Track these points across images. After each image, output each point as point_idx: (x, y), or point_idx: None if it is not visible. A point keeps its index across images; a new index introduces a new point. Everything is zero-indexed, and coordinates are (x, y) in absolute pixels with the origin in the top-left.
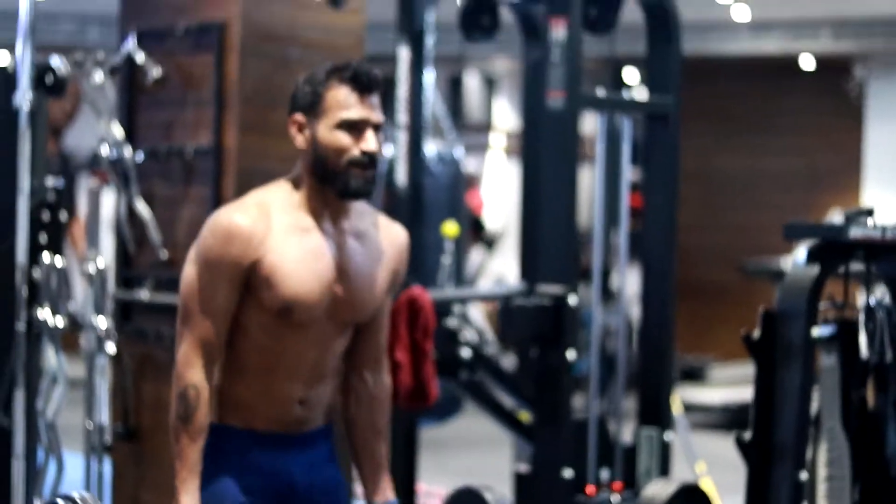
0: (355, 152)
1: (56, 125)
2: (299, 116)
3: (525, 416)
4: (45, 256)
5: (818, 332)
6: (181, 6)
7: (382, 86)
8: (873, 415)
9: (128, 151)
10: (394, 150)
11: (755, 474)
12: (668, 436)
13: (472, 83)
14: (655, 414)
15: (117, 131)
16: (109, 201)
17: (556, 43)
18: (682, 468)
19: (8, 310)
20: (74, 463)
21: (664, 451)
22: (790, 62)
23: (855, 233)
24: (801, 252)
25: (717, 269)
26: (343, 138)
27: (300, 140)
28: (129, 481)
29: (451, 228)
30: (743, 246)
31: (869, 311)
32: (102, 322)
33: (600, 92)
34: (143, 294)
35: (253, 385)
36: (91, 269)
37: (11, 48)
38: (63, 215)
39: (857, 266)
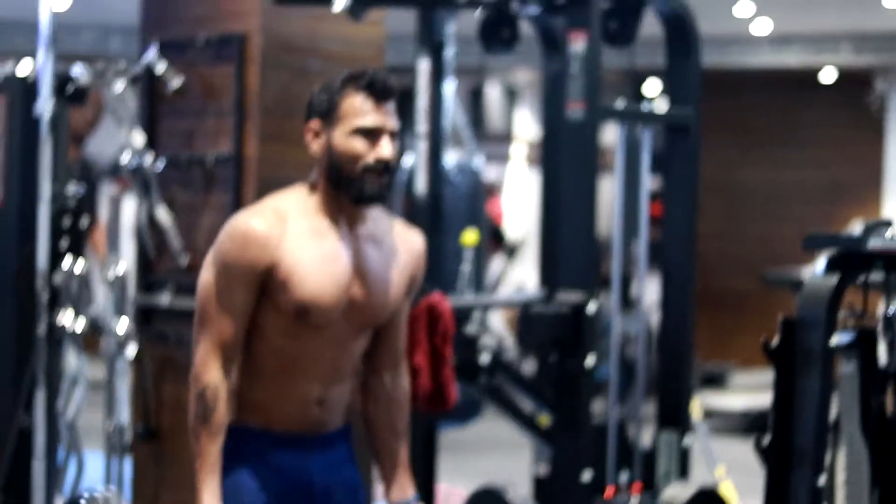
0: (370, 159)
1: (78, 133)
2: (315, 123)
3: (544, 419)
4: (67, 261)
5: (837, 339)
6: (202, 17)
7: (398, 93)
8: (892, 421)
9: (149, 159)
10: (414, 160)
11: (774, 478)
12: (688, 440)
13: (493, 94)
14: (675, 418)
15: (138, 139)
16: (130, 208)
17: (575, 56)
18: (702, 472)
19: (29, 314)
20: (95, 463)
21: (683, 455)
22: (811, 75)
23: (874, 244)
24: (820, 262)
25: (738, 278)
26: (358, 145)
27: (316, 147)
28: (149, 481)
29: (470, 237)
30: (764, 256)
31: (888, 319)
32: (123, 326)
33: (620, 103)
34: (164, 299)
35: (270, 387)
36: (112, 274)
37: (34, 57)
38: (84, 221)
39: (876, 276)
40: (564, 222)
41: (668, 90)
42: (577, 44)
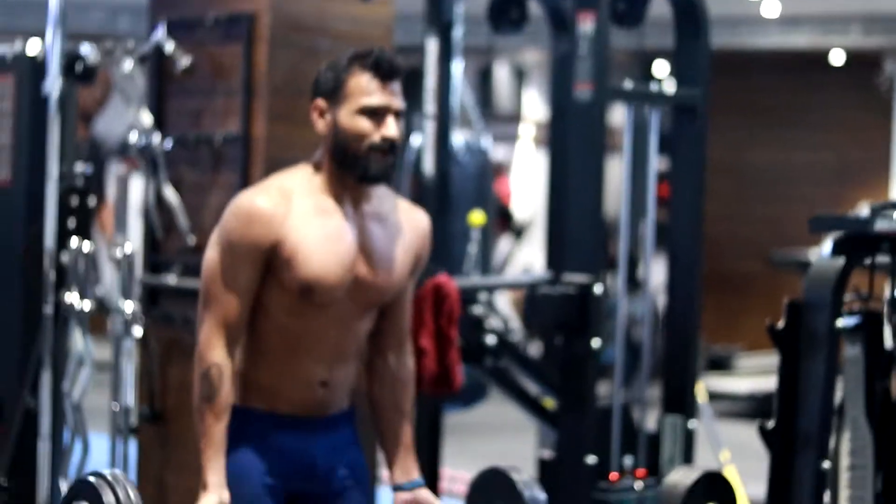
0: (376, 138)
1: (86, 111)
2: (321, 102)
3: (549, 402)
4: (74, 241)
5: (843, 322)
6: None
7: (404, 72)
8: None
9: (157, 138)
10: (422, 140)
11: (778, 463)
12: (693, 424)
13: (501, 74)
14: (680, 402)
15: (146, 119)
16: (138, 187)
17: (583, 36)
18: (707, 456)
19: (36, 293)
20: (100, 444)
21: (688, 439)
22: (820, 57)
23: (880, 225)
24: (826, 245)
25: (746, 260)
26: (364, 124)
27: (321, 125)
28: (154, 463)
29: (477, 217)
30: (772, 238)
31: (894, 302)
32: (129, 306)
33: (627, 84)
34: (171, 279)
35: (275, 367)
36: (119, 253)
37: (42, 36)
38: (92, 201)
39: (882, 258)
40: (571, 203)
41: (676, 71)
42: (586, 24)
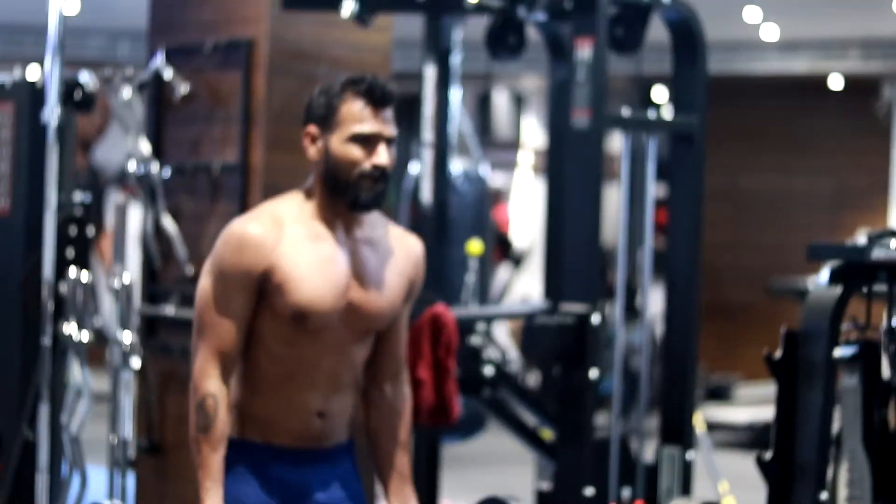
0: (367, 166)
1: (86, 139)
2: (313, 128)
3: (547, 433)
4: (72, 271)
5: (840, 352)
6: (210, 24)
7: (396, 99)
8: (894, 436)
9: (155, 167)
10: (419, 168)
11: (776, 494)
12: (690, 455)
13: (500, 100)
14: (678, 433)
15: (145, 147)
16: (136, 216)
17: (581, 63)
18: (705, 487)
19: (34, 324)
20: (98, 477)
21: (686, 470)
22: (819, 82)
23: (878, 254)
24: (823, 273)
25: (744, 288)
26: (355, 151)
27: (313, 151)
28: (152, 495)
29: (475, 246)
30: (771, 266)
31: (891, 332)
32: (128, 337)
33: (625, 111)
34: (169, 309)
35: (270, 397)
36: (117, 283)
37: (41, 63)
38: (90, 230)
39: (880, 287)
40: (569, 232)
41: (673, 98)
42: (584, 51)
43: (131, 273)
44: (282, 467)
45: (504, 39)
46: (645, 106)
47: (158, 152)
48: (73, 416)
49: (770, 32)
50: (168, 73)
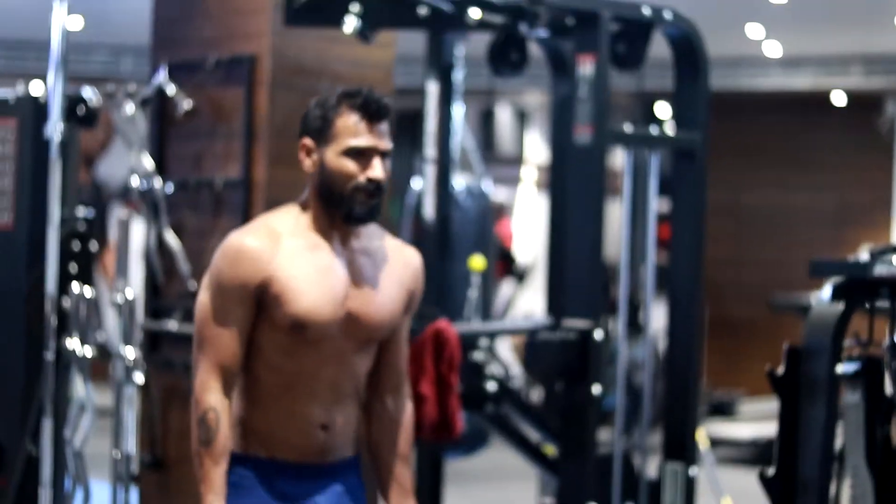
0: (361, 179)
1: (89, 154)
2: (308, 141)
3: (550, 449)
4: (75, 286)
5: (843, 368)
6: (212, 40)
7: (391, 113)
8: None
9: (158, 182)
10: (422, 184)
11: None
12: (693, 471)
13: (503, 116)
14: (680, 449)
15: (148, 162)
16: (139, 231)
17: (583, 79)
18: (708, 503)
19: (37, 339)
20: (101, 492)
21: (689, 486)
22: (821, 98)
23: (880, 270)
24: (826, 289)
25: (747, 304)
26: (350, 165)
27: (308, 164)
28: None
29: (477, 262)
30: (774, 281)
31: (894, 348)
32: (131, 352)
33: (627, 127)
34: (172, 324)
35: (272, 410)
36: (120, 298)
37: (44, 79)
38: (93, 245)
39: (882, 303)
40: (571, 247)
41: (675, 114)
42: (586, 67)
43: (134, 288)
44: (286, 482)
45: (506, 56)
46: (647, 122)
47: (161, 168)
48: (77, 430)
49: (772, 49)
50: (171, 89)
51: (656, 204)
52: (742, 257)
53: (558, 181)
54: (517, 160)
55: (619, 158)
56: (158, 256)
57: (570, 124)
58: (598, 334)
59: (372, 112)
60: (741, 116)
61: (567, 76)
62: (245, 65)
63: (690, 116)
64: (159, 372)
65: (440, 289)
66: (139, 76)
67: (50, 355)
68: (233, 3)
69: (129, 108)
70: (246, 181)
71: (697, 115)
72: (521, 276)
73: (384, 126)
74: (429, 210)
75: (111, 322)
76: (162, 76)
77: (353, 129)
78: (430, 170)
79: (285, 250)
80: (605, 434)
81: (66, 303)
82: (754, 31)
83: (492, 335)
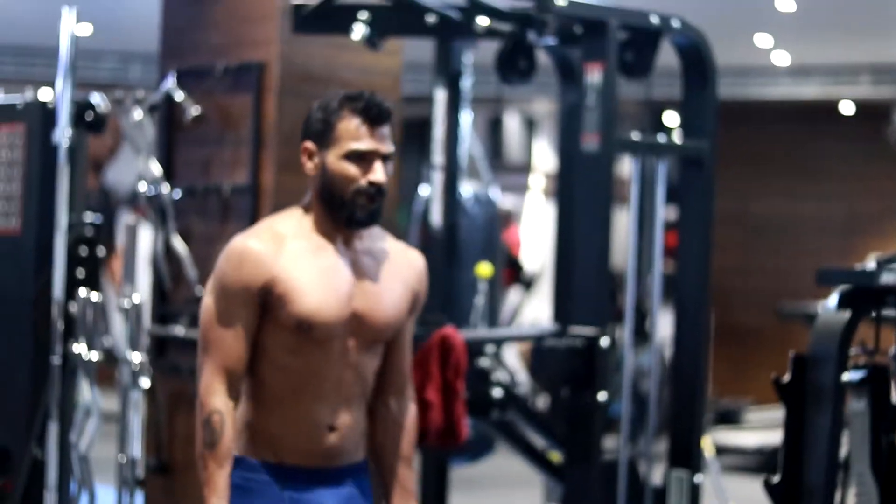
0: (362, 183)
1: (97, 160)
2: (310, 144)
3: (556, 456)
4: (82, 291)
5: (848, 376)
6: (221, 47)
7: (392, 116)
8: None
9: (166, 188)
10: (430, 191)
11: None
12: (699, 478)
13: (512, 124)
14: (686, 456)
15: (155, 168)
16: (147, 237)
17: (591, 87)
18: None
19: (44, 343)
20: (107, 496)
21: (694, 494)
22: (830, 107)
23: (886, 279)
24: (832, 298)
25: (755, 312)
26: (351, 169)
27: (310, 167)
28: None
29: (484, 269)
30: (782, 290)
31: None
32: (137, 357)
33: (635, 135)
34: (179, 330)
35: (279, 412)
36: (127, 304)
37: (53, 85)
38: (101, 250)
39: (888, 312)
40: (578, 255)
41: (683, 122)
42: (594, 75)
43: (141, 293)
44: (294, 486)
45: (515, 63)
46: (655, 130)
47: (169, 174)
48: (82, 434)
49: (781, 58)
50: (179, 96)
51: (664, 212)
52: (750, 266)
53: (566, 189)
54: (525, 168)
55: (626, 166)
56: (166, 262)
57: (577, 132)
58: (604, 342)
59: (373, 116)
60: (749, 125)
61: (575, 84)
62: (253, 72)
63: (698, 125)
64: (166, 377)
65: (447, 296)
66: (148, 83)
67: (56, 360)
68: (241, 11)
69: (138, 114)
70: (253, 187)
71: (705, 123)
72: (528, 283)
73: (386, 130)
74: (436, 217)
75: (118, 327)
76: (170, 83)
77: (354, 133)
78: (438, 177)
79: (289, 252)
80: (610, 441)
81: (73, 308)
82: (762, 40)
83: (498, 342)
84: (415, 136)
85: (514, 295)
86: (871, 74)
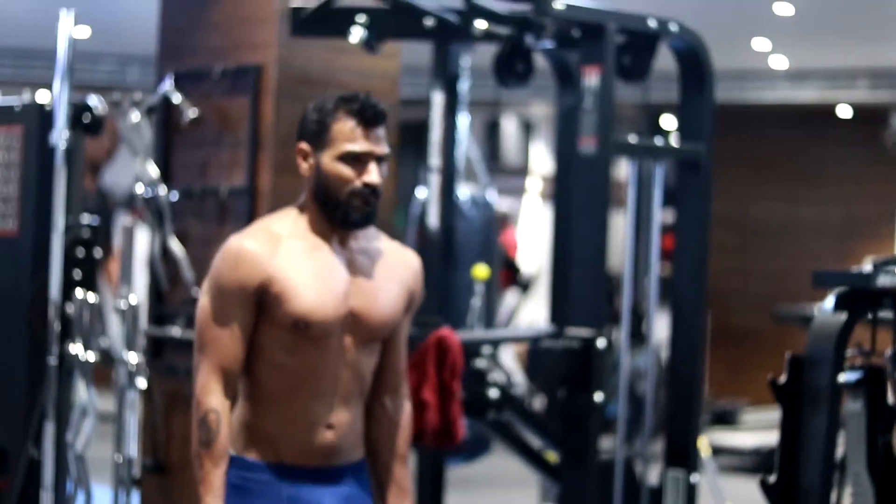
0: (357, 184)
1: (95, 162)
2: (305, 145)
3: (552, 456)
4: (79, 292)
5: (845, 377)
6: (218, 49)
7: (387, 118)
8: None
9: (163, 190)
10: (427, 193)
11: None
12: (695, 478)
13: (509, 127)
14: (682, 456)
15: (153, 170)
16: (144, 239)
17: (589, 90)
18: None
19: (41, 344)
20: (103, 496)
21: (690, 494)
22: (827, 111)
23: (883, 281)
24: (829, 300)
25: (752, 314)
26: (345, 170)
27: (304, 168)
28: None
29: (481, 271)
30: (779, 293)
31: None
32: (134, 357)
33: (632, 138)
34: (175, 331)
35: (277, 411)
36: (124, 305)
37: (50, 87)
38: (98, 252)
39: (885, 314)
40: (575, 257)
41: (681, 125)
42: (591, 79)
43: (138, 295)
44: (292, 486)
45: (512, 67)
46: (652, 134)
47: (166, 176)
48: (79, 434)
49: (778, 62)
50: (177, 98)
51: (660, 215)
52: (748, 268)
53: (563, 192)
54: (522, 171)
55: (623, 169)
56: (162, 263)
57: (575, 135)
58: (600, 343)
59: (368, 117)
60: (747, 129)
61: (573, 87)
62: (251, 74)
63: (696, 128)
64: (162, 377)
65: (444, 297)
66: (145, 85)
67: (53, 360)
68: (239, 14)
69: (135, 116)
70: (251, 189)
71: (703, 126)
72: (525, 285)
73: (381, 131)
74: (433, 219)
75: (115, 328)
76: (168, 85)
77: (349, 134)
78: (435, 179)
79: (285, 251)
80: (607, 442)
81: (70, 308)
82: (760, 43)
83: (495, 343)
84: (412, 139)
85: (510, 297)
86: (868, 78)
